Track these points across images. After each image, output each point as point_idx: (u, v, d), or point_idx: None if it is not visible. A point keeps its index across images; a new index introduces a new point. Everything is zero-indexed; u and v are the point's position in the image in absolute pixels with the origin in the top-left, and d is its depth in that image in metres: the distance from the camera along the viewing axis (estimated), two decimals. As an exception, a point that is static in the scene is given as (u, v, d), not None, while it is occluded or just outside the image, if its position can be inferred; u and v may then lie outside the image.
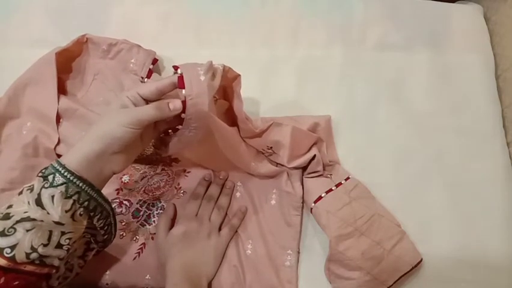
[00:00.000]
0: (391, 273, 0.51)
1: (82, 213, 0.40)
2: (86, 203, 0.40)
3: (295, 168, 0.58)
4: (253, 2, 0.72)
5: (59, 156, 0.57)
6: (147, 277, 0.53)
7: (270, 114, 0.61)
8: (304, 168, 0.58)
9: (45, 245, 0.37)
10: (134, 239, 0.55)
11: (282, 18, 0.71)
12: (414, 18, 0.72)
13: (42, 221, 0.37)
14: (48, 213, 0.37)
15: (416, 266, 0.52)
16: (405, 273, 0.52)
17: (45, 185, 0.38)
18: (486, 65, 0.69)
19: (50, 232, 0.37)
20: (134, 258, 0.54)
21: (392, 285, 0.51)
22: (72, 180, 0.39)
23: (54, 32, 0.69)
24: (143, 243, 0.55)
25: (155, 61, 0.65)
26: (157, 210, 0.57)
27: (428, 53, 0.69)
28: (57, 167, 0.39)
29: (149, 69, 0.62)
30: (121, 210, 0.56)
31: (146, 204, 0.57)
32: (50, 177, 0.39)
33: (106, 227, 0.44)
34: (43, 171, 0.40)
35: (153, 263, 0.53)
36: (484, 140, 0.63)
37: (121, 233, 0.55)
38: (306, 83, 0.67)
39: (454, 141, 0.63)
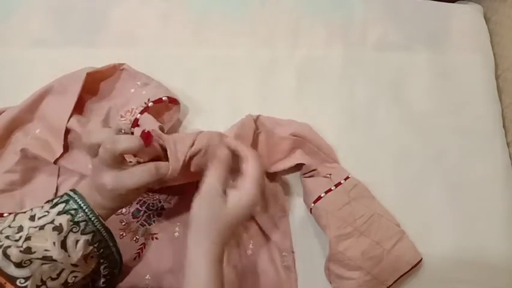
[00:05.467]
0: (391, 272, 0.51)
1: (93, 256, 0.41)
2: (102, 250, 0.42)
3: (282, 171, 0.58)
4: (253, 2, 0.72)
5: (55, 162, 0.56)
6: (147, 277, 0.53)
7: (270, 114, 0.61)
8: (299, 168, 0.59)
9: (53, 279, 0.37)
10: (134, 239, 0.55)
11: (282, 18, 0.72)
12: (414, 18, 0.72)
13: (62, 262, 0.38)
14: (69, 256, 0.38)
15: (415, 265, 0.52)
16: (405, 273, 0.52)
17: (74, 229, 0.39)
18: (486, 65, 0.69)
19: (62, 270, 0.38)
20: (135, 258, 0.54)
21: (391, 284, 0.51)
22: (99, 230, 0.41)
23: (55, 32, 0.69)
24: (143, 243, 0.55)
25: (173, 100, 0.59)
26: (157, 210, 0.57)
27: (428, 53, 0.69)
28: (91, 216, 0.40)
29: (148, 106, 0.57)
30: (121, 210, 0.56)
31: (146, 204, 0.57)
32: (82, 224, 0.39)
33: (108, 276, 0.45)
34: (72, 212, 0.39)
35: (153, 263, 0.53)
36: (484, 140, 0.63)
37: (121, 233, 0.55)
38: (306, 83, 0.67)
39: (454, 141, 0.63)
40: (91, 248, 0.40)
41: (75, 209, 0.40)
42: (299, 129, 0.59)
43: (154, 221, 0.56)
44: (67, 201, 0.40)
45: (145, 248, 0.54)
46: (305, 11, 0.72)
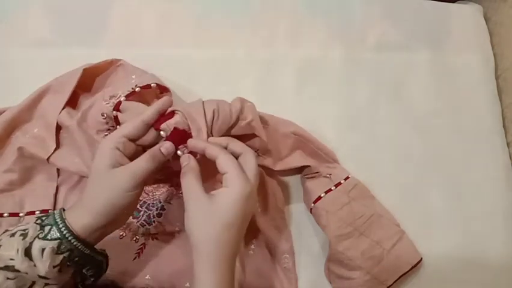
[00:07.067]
0: (391, 272, 0.51)
1: (70, 264, 0.38)
2: (76, 258, 0.38)
3: (282, 171, 0.58)
4: (253, 2, 0.72)
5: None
6: (147, 277, 0.53)
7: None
8: (300, 169, 0.59)
9: None
10: (134, 239, 0.55)
11: (282, 18, 0.71)
12: (414, 18, 0.72)
13: (26, 273, 0.34)
14: (35, 265, 0.35)
15: (415, 265, 0.52)
16: (405, 273, 0.52)
17: (40, 235, 0.36)
18: (486, 65, 0.69)
19: (33, 283, 0.35)
20: (134, 259, 0.54)
21: (391, 284, 0.51)
22: (67, 237, 0.36)
23: (54, 32, 0.68)
24: (143, 244, 0.55)
25: (163, 88, 0.57)
26: (157, 210, 0.57)
27: (428, 53, 0.70)
28: (58, 220, 0.37)
29: (135, 91, 0.54)
30: (121, 210, 0.56)
31: (146, 204, 0.57)
32: (47, 228, 0.36)
33: (96, 275, 0.42)
34: (43, 218, 0.38)
35: (153, 263, 0.53)
36: (484, 140, 0.63)
37: (121, 233, 0.55)
38: (306, 83, 0.67)
39: (454, 141, 0.63)
40: (61, 257, 0.36)
41: (46, 216, 0.38)
42: (299, 128, 0.59)
43: (154, 221, 0.56)
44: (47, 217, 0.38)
45: (145, 248, 0.54)
46: (305, 11, 0.72)
